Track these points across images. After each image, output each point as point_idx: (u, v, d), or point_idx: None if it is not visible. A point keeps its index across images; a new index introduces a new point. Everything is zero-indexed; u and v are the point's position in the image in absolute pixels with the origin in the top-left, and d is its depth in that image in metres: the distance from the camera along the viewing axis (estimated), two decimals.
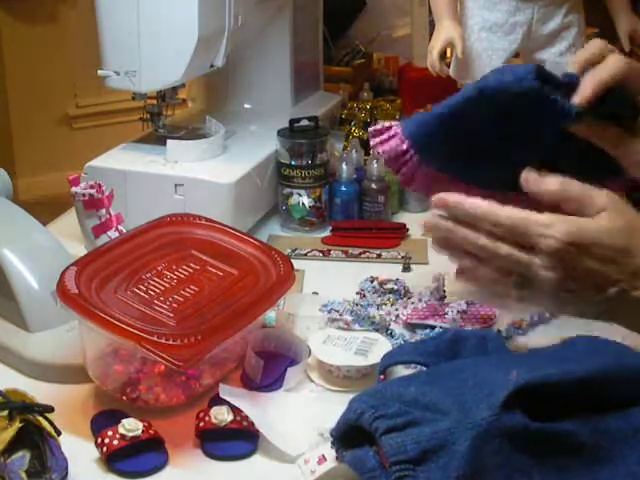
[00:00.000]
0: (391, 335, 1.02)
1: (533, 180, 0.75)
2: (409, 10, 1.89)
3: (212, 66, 1.30)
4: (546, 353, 0.84)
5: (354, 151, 1.39)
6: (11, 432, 0.78)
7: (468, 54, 1.29)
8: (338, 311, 1.04)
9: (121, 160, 1.27)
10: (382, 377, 0.88)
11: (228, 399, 0.86)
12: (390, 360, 0.90)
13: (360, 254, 1.26)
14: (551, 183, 0.74)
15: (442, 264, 0.93)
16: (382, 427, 0.71)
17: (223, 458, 0.84)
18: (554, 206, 0.74)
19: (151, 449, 0.83)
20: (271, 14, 1.46)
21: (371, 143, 0.92)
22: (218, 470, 0.83)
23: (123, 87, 1.24)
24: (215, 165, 1.25)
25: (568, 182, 0.74)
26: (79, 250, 1.13)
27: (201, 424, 0.85)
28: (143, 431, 0.82)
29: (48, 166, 3.74)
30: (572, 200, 0.74)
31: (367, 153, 1.49)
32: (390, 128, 0.90)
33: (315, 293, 1.12)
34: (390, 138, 0.89)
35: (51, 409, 0.81)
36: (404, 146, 0.88)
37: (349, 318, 1.03)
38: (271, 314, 1.02)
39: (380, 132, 0.91)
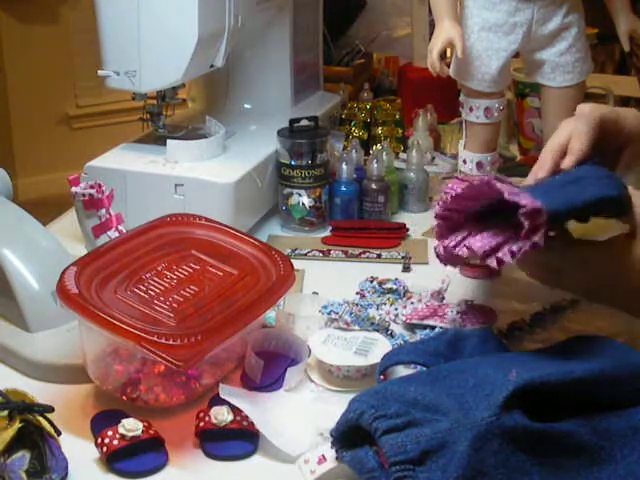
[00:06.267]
0: (391, 335, 1.02)
1: None
2: (409, 10, 1.89)
3: (212, 66, 1.30)
4: (546, 353, 0.84)
5: (354, 151, 1.39)
6: (11, 432, 0.78)
7: (468, 54, 1.29)
8: (337, 313, 1.04)
9: (121, 160, 1.27)
10: (382, 377, 0.88)
11: (228, 399, 0.86)
12: (390, 360, 0.90)
13: (360, 254, 1.26)
14: None
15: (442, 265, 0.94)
16: (382, 427, 0.71)
17: (223, 458, 0.84)
18: None
19: (151, 449, 0.83)
20: (271, 14, 1.46)
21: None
22: (218, 470, 0.83)
23: (123, 87, 1.24)
24: (215, 165, 1.25)
25: None
26: (79, 250, 1.13)
27: (201, 424, 0.85)
28: (143, 431, 0.82)
29: (48, 166, 3.74)
30: None
31: (367, 153, 1.49)
32: None
33: (315, 293, 1.12)
34: None
35: (51, 409, 0.81)
36: None
37: (349, 319, 1.03)
38: (271, 314, 1.02)
39: None
